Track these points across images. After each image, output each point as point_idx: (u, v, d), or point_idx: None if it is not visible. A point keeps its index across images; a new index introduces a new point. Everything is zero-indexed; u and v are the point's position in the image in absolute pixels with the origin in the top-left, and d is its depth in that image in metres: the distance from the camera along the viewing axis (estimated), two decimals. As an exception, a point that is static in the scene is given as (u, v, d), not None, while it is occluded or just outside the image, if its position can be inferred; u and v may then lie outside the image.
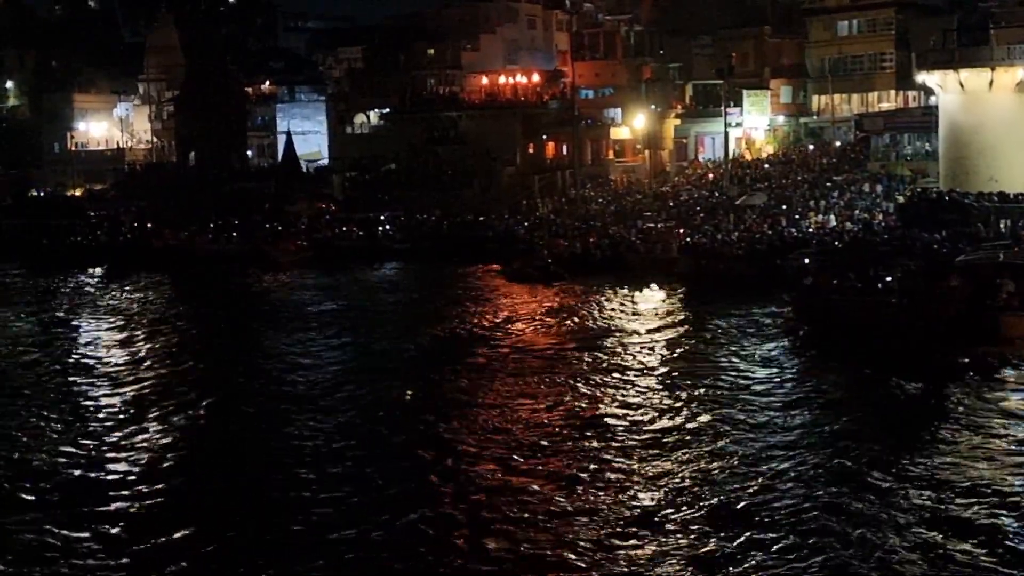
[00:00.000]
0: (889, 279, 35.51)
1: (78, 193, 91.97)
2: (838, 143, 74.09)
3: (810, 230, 52.75)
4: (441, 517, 21.50)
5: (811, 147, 74.91)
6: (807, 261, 40.35)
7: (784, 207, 59.32)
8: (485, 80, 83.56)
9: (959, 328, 32.49)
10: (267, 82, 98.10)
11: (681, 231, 55.08)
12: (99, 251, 65.49)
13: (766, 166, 71.57)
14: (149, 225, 70.66)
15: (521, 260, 54.74)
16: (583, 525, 20.96)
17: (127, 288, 55.29)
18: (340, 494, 22.92)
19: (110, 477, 24.72)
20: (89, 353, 39.32)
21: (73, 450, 26.84)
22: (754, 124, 76.97)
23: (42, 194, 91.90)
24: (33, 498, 23.40)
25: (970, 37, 58.90)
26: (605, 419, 28.26)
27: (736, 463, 24.26)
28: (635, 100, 78.75)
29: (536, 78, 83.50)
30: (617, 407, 29.45)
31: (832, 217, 55.70)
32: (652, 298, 46.39)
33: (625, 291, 47.89)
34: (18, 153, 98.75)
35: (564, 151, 78.29)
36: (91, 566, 19.97)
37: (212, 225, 68.34)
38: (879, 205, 57.66)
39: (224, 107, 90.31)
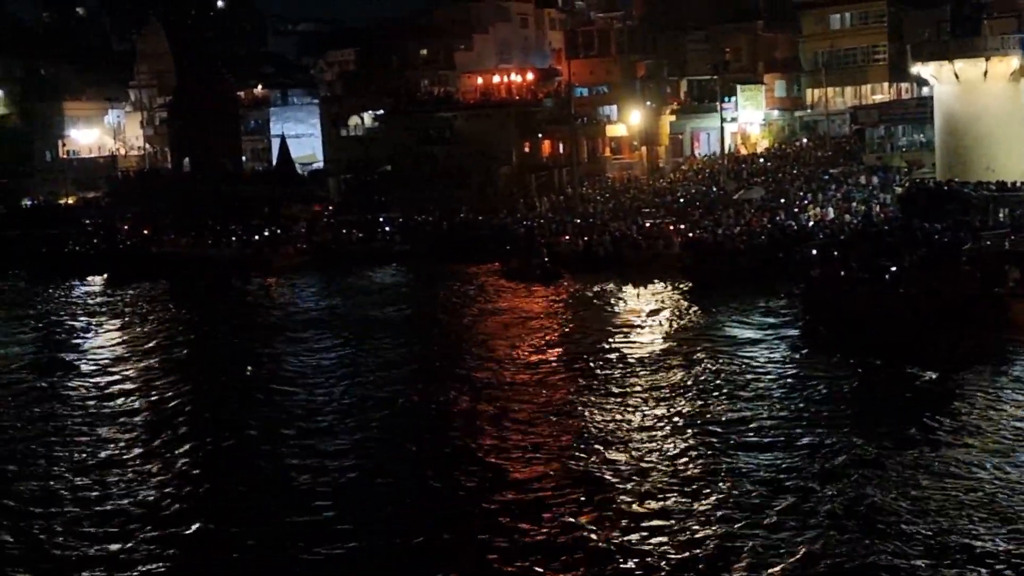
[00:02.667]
0: (895, 269, 35.68)
1: (71, 201, 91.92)
2: (833, 136, 74.32)
3: (810, 224, 52.85)
4: (443, 524, 21.44)
5: (805, 140, 75.11)
6: (815, 252, 40.41)
7: (782, 201, 59.52)
8: (479, 80, 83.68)
9: (968, 316, 32.71)
10: (259, 86, 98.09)
11: (682, 226, 55.22)
12: (98, 259, 64.99)
13: (761, 160, 71.73)
14: (145, 232, 70.64)
15: (520, 259, 54.76)
16: (596, 518, 21.13)
17: (129, 295, 54.99)
18: (338, 500, 22.95)
19: (110, 487, 24.62)
20: (96, 362, 39.00)
21: (77, 460, 26.88)
22: (749, 119, 77.11)
23: (34, 203, 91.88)
24: (28, 507, 23.50)
25: (963, 28, 59.06)
26: (618, 410, 28.48)
27: (755, 447, 24.70)
28: (630, 97, 78.95)
29: (530, 77, 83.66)
30: (629, 399, 29.59)
31: (830, 210, 55.86)
32: (658, 294, 46.43)
33: (630, 287, 48.02)
34: (9, 162, 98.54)
35: (560, 149, 78.42)
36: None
37: (210, 230, 68.34)
38: (876, 197, 57.85)
39: (217, 112, 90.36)
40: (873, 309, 33.89)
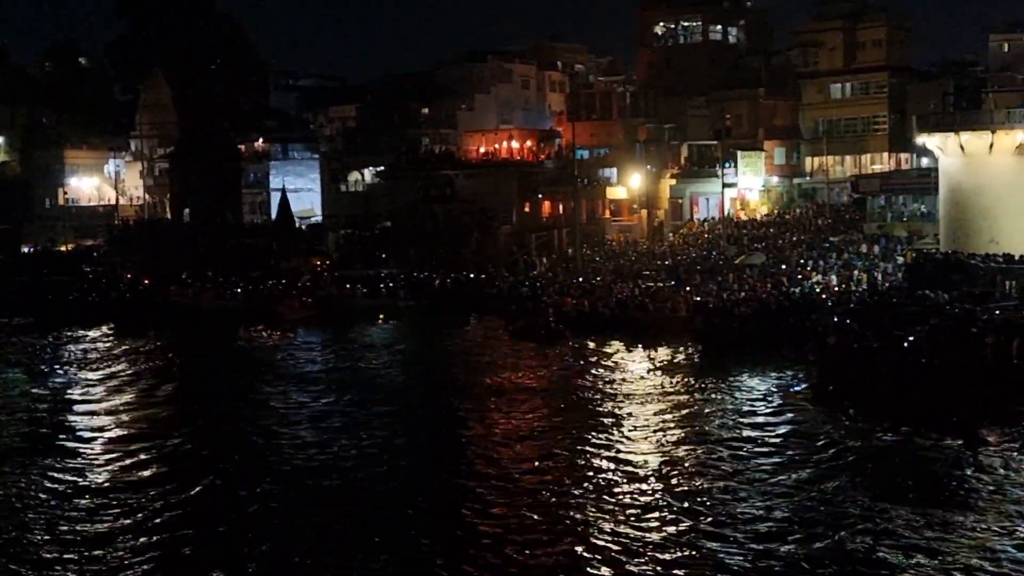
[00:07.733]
0: (912, 338, 36.05)
1: (69, 248, 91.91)
2: (832, 204, 75.06)
3: (817, 291, 53.25)
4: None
5: (802, 208, 75.79)
6: (835, 319, 40.74)
7: (783, 267, 60.01)
8: (482, 141, 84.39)
9: (991, 385, 33.08)
10: (260, 140, 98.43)
11: (688, 289, 55.67)
12: (103, 307, 64.91)
13: (769, 228, 72.04)
14: (147, 281, 70.72)
15: (525, 319, 54.95)
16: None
17: (137, 346, 54.82)
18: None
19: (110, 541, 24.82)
20: (105, 414, 39.03)
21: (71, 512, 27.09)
22: (748, 185, 77.82)
23: (34, 249, 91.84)
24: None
25: (966, 100, 60.08)
26: (630, 473, 28.80)
27: (770, 516, 24.88)
28: (631, 160, 79.51)
29: (529, 143, 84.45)
30: (641, 460, 29.98)
31: (833, 277, 56.37)
32: (669, 356, 46.67)
33: (639, 349, 48.36)
34: (9, 209, 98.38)
35: (560, 210, 79.00)
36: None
37: (212, 282, 68.61)
38: (877, 265, 58.44)
39: (218, 164, 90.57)
40: (893, 378, 34.26)
